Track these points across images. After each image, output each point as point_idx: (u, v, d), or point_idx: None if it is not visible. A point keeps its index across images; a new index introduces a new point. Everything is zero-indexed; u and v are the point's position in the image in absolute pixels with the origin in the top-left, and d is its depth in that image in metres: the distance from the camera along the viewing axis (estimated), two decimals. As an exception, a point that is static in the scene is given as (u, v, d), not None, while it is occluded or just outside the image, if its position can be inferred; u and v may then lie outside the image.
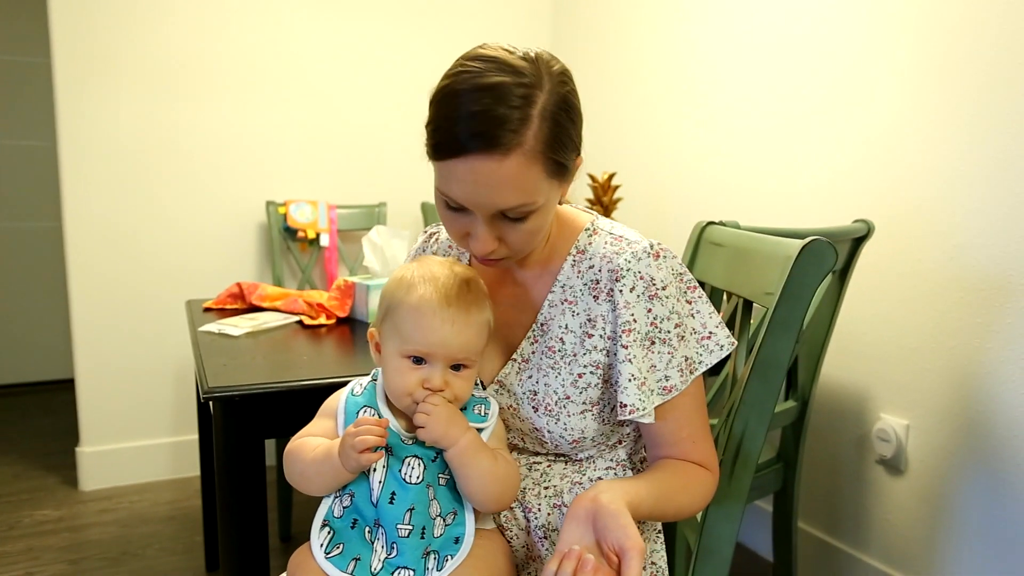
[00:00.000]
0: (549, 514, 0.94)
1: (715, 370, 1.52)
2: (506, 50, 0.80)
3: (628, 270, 0.87)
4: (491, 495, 0.85)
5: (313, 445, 0.86)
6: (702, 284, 1.36)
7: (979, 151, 1.55)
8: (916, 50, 1.67)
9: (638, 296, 0.87)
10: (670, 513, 0.88)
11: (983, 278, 1.54)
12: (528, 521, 0.95)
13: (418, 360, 0.84)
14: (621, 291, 0.87)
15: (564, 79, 0.82)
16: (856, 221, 1.59)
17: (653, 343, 0.87)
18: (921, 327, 1.68)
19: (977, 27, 1.54)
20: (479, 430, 0.87)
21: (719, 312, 1.35)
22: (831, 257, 0.98)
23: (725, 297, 1.36)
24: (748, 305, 1.19)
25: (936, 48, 1.62)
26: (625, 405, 0.86)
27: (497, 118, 0.75)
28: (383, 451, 0.83)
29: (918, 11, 1.66)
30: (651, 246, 0.89)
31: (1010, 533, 1.52)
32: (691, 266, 1.37)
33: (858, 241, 1.58)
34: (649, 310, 0.87)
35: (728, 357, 1.21)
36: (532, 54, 0.80)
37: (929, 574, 1.68)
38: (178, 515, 2.37)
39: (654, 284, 0.87)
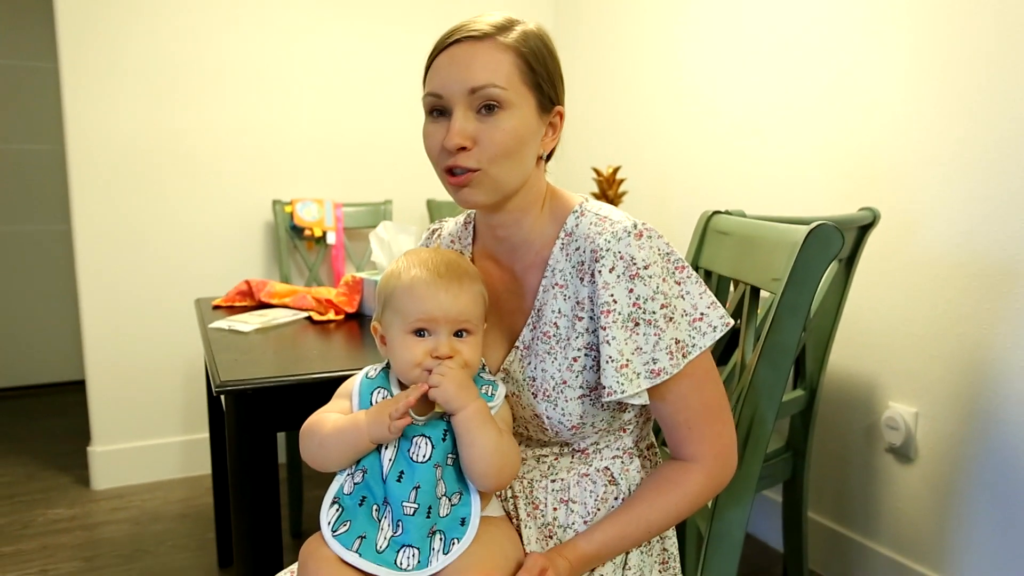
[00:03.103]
0: (555, 509, 0.95)
1: (723, 359, 1.53)
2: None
3: (608, 250, 0.86)
4: (492, 466, 0.85)
5: (334, 418, 0.89)
6: (709, 273, 1.37)
7: (983, 137, 1.54)
8: (919, 36, 1.66)
9: (618, 276, 0.86)
10: (642, 536, 0.91)
11: (990, 264, 1.54)
12: (535, 519, 0.96)
13: (421, 333, 0.88)
14: (600, 272, 0.86)
15: (539, 27, 0.93)
16: (862, 209, 1.59)
17: (637, 324, 0.86)
18: (928, 314, 1.67)
19: (981, 13, 1.53)
20: None
21: (727, 300, 1.37)
22: (838, 241, 0.99)
23: (732, 285, 1.37)
24: (755, 292, 1.19)
25: (939, 34, 1.62)
26: (604, 387, 0.86)
27: (481, 22, 0.89)
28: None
29: (921, -1, 1.66)
30: (634, 225, 0.87)
31: (1021, 518, 1.52)
32: (698, 255, 1.38)
33: (864, 229, 1.57)
34: (631, 290, 0.85)
35: (735, 344, 1.22)
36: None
37: (940, 561, 1.68)
38: (190, 513, 2.39)
39: (635, 264, 0.85)
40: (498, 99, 0.85)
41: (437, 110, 0.89)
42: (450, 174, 0.88)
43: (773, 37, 2.05)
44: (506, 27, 0.88)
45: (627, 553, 0.96)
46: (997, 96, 1.51)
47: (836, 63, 1.87)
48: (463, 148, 0.86)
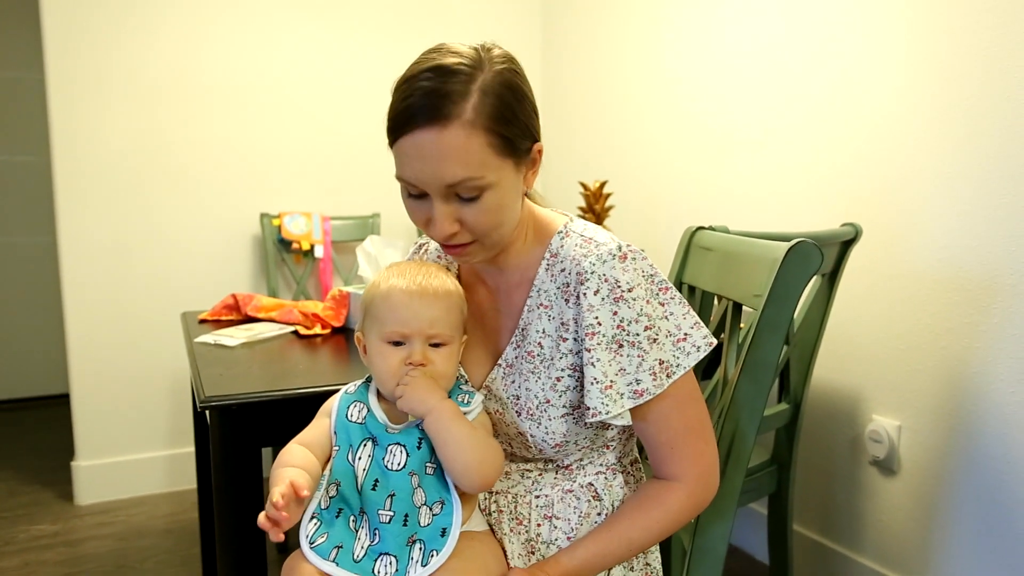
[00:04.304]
0: (539, 525, 0.95)
1: (707, 374, 1.53)
2: (459, 43, 0.87)
3: (593, 273, 0.87)
4: (472, 461, 0.85)
5: (284, 462, 0.88)
6: (692, 289, 1.38)
7: (965, 154, 1.56)
8: (904, 54, 1.68)
9: (602, 299, 0.86)
10: (624, 554, 0.92)
11: (971, 279, 1.56)
12: (518, 535, 0.96)
13: (398, 344, 0.89)
14: (585, 294, 0.87)
15: (505, 60, 0.86)
16: (844, 224, 1.60)
17: (621, 346, 0.87)
18: (911, 328, 1.69)
19: (966, 31, 1.55)
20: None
21: (710, 316, 1.38)
22: (817, 258, 1.00)
23: (716, 300, 1.37)
24: (738, 308, 1.21)
25: (924, 52, 1.64)
26: (588, 408, 0.87)
27: (438, 92, 0.80)
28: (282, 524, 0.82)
29: (907, 16, 1.68)
30: (619, 248, 0.88)
31: (1003, 530, 1.53)
32: (681, 270, 1.39)
33: (847, 244, 1.59)
34: (615, 313, 0.86)
35: (719, 360, 1.23)
36: (479, 44, 0.87)
37: (923, 573, 1.69)
38: (175, 528, 2.36)
39: (619, 286, 0.86)
40: (478, 187, 0.83)
41: (414, 192, 0.86)
42: (444, 245, 0.89)
43: (759, 52, 2.07)
44: (467, 83, 0.81)
45: (609, 569, 0.96)
46: (981, 112, 1.53)
47: (822, 80, 1.89)
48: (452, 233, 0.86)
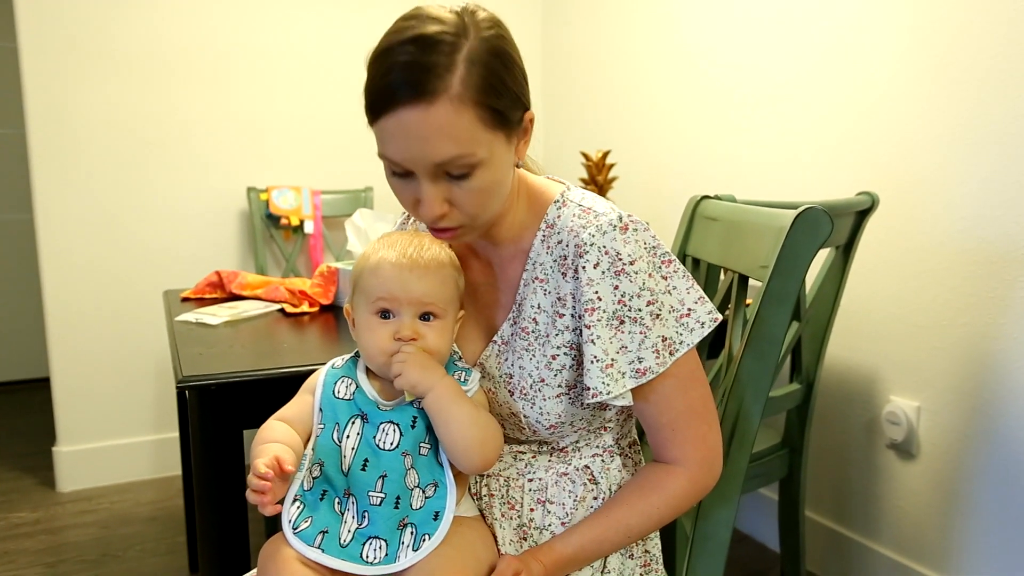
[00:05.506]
0: (532, 509, 0.93)
1: (713, 352, 1.48)
2: (438, 6, 0.80)
3: (592, 245, 0.83)
4: (474, 440, 0.82)
5: (265, 438, 0.86)
6: (697, 261, 1.36)
7: (987, 118, 1.50)
8: (919, 14, 1.62)
9: (603, 272, 0.83)
10: (622, 541, 0.90)
11: (994, 251, 1.51)
12: (510, 520, 0.93)
13: (386, 315, 0.85)
14: (584, 267, 0.83)
15: (491, 25, 0.80)
16: (860, 193, 1.55)
17: (623, 322, 0.83)
18: (930, 304, 1.63)
19: (988, -12, 1.48)
20: None
21: (716, 289, 1.33)
22: (826, 226, 0.96)
23: (721, 273, 1.35)
24: (744, 281, 1.18)
25: (941, 12, 1.57)
26: (588, 388, 0.84)
27: (420, 65, 0.75)
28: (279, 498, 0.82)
29: (924, -26, 1.61)
30: (619, 218, 0.84)
31: (1028, 517, 1.48)
32: (685, 242, 1.36)
33: (862, 214, 1.54)
34: (616, 287, 0.83)
35: (724, 337, 1.18)
36: (460, 7, 0.81)
37: (944, 562, 1.64)
38: (160, 515, 2.31)
39: (620, 259, 0.83)
40: (468, 165, 0.78)
41: (399, 171, 0.81)
42: (432, 228, 0.85)
43: (768, 15, 2.00)
44: (452, 54, 0.75)
45: (605, 557, 0.94)
46: (1004, 72, 1.47)
47: (834, 41, 1.82)
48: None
